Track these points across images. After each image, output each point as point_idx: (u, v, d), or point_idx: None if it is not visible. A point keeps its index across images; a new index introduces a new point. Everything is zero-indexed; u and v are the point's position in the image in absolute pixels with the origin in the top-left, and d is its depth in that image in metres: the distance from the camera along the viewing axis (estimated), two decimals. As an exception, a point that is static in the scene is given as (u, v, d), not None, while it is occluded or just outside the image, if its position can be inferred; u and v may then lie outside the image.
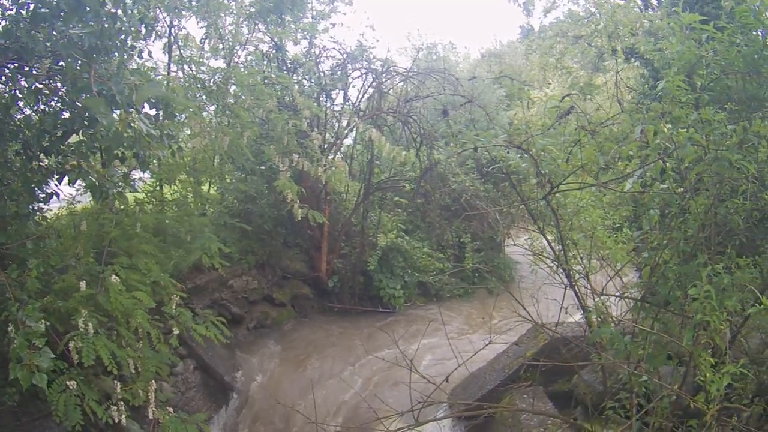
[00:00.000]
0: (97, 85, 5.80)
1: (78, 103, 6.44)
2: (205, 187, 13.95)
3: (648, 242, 6.72)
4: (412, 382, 8.72)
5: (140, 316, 7.25)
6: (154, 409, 6.71)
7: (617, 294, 7.09)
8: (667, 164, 5.95)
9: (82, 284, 6.61)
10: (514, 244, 17.86)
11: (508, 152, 7.29)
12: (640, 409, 6.77)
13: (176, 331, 8.06)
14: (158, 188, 11.46)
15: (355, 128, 14.21)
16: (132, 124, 5.93)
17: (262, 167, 14.90)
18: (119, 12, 6.56)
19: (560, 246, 7.19)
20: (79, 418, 6.15)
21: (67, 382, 6.17)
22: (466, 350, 8.35)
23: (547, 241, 7.45)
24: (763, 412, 6.25)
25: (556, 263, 7.40)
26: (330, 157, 12.75)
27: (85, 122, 6.55)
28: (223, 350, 12.76)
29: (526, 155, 6.90)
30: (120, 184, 7.05)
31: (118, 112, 5.84)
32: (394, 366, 12.34)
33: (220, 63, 13.58)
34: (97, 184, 6.47)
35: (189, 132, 10.69)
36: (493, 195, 18.77)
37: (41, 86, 6.75)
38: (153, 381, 6.83)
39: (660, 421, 6.31)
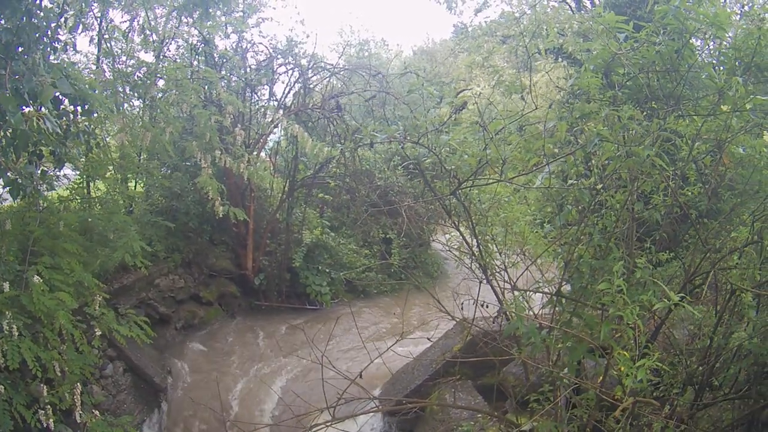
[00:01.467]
0: (12, 82, 5.65)
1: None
2: (131, 185, 13.67)
3: (563, 237, 6.86)
4: (338, 379, 8.73)
5: (63, 317, 7.07)
6: (80, 412, 6.55)
7: (531, 288, 7.14)
8: (592, 161, 6.07)
9: (5, 285, 6.40)
10: (435, 241, 18.17)
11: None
12: (567, 401, 6.91)
13: (99, 332, 7.90)
14: (84, 185, 11.18)
15: (279, 124, 14.10)
16: (38, 122, 5.82)
17: (187, 164, 14.69)
18: (42, 5, 6.39)
19: (475, 241, 7.27)
20: (9, 423, 5.98)
21: None
22: (388, 347, 8.41)
23: (462, 236, 7.52)
24: (694, 400, 6.45)
25: (472, 258, 7.50)
26: (254, 153, 12.62)
27: (1, 120, 6.36)
28: (152, 351, 12.55)
29: (430, 152, 6.93)
30: (39, 181, 6.87)
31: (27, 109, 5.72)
32: (318, 364, 12.41)
33: (150, 57, 13.32)
34: (16, 181, 6.29)
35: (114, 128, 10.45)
36: (420, 192, 18.81)
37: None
38: (78, 384, 6.69)
39: (586, 413, 6.43)
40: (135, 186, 14.10)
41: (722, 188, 6.60)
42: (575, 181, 6.07)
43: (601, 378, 6.67)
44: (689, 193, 6.33)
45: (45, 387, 6.38)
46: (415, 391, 10.92)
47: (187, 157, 13.85)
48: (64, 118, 7.09)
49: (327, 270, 16.57)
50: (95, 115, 8.89)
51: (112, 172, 11.47)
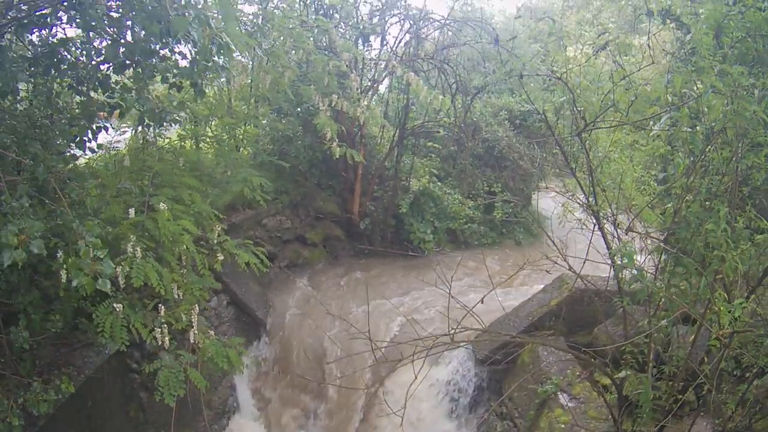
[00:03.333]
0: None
1: (144, 31, 6.62)
2: (240, 129, 14.17)
3: (673, 188, 6.94)
4: (437, 322, 9.09)
5: (187, 241, 7.54)
6: (195, 332, 6.96)
7: (643, 233, 7.29)
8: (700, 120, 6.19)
9: (131, 211, 6.84)
10: (546, 187, 18.17)
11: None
12: (658, 357, 7.07)
13: (221, 257, 8.31)
14: (201, 125, 11.68)
15: (390, 73, 14.28)
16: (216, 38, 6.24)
17: (298, 109, 15.11)
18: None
19: (591, 186, 7.33)
20: (125, 338, 6.47)
21: (114, 305, 6.41)
22: (490, 298, 8.63)
23: (578, 181, 7.58)
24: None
25: (585, 205, 7.58)
26: (365, 102, 12.86)
27: (144, 53, 6.79)
28: (256, 287, 13.16)
29: (563, 93, 7.07)
30: (176, 111, 7.32)
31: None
32: (421, 307, 12.79)
33: (254, 8, 13.56)
34: (156, 110, 6.74)
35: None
36: (525, 148, 18.82)
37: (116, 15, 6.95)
38: (196, 305, 7.08)
39: (674, 369, 6.57)
40: (244, 131, 14.57)
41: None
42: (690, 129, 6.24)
43: (693, 337, 6.81)
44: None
45: (163, 307, 6.79)
46: (508, 342, 11.12)
47: (299, 102, 14.26)
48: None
49: (431, 219, 16.81)
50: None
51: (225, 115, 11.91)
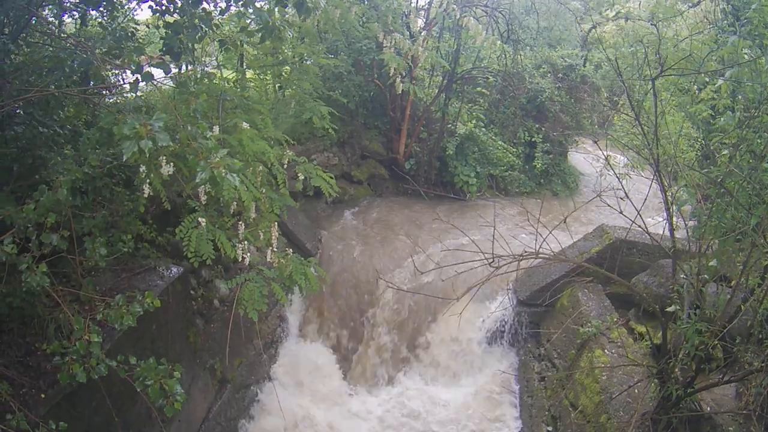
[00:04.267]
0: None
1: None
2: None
3: (729, 138, 7.26)
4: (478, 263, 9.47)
5: (273, 158, 7.70)
6: (275, 249, 7.12)
7: (702, 171, 7.67)
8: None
9: (215, 129, 6.90)
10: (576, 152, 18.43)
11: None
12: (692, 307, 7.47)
13: (302, 177, 8.40)
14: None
15: (445, 16, 14.36)
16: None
17: (351, 48, 15.30)
18: None
19: (654, 133, 7.62)
20: (211, 251, 6.56)
21: (199, 219, 6.58)
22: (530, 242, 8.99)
23: (641, 125, 7.84)
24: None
25: (647, 150, 7.86)
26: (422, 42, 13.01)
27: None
28: (305, 220, 13.58)
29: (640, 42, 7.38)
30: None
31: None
32: (466, 248, 13.12)
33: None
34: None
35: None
36: (566, 101, 18.98)
37: None
38: (275, 223, 7.22)
39: (705, 325, 6.94)
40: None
41: None
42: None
43: (730, 297, 7.19)
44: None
45: (242, 224, 6.95)
46: (549, 286, 11.50)
47: (349, 41, 14.45)
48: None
49: (474, 164, 17.07)
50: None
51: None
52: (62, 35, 8.77)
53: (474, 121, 17.54)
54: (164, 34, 7.30)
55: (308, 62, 11.00)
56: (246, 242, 6.89)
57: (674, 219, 7.91)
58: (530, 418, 10.78)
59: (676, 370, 7.64)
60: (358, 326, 12.42)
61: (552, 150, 18.80)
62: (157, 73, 6.84)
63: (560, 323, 11.26)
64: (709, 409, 7.97)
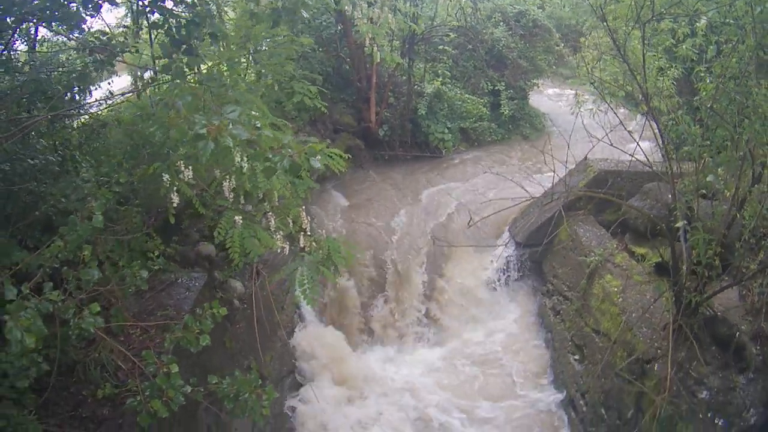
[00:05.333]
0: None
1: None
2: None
3: (714, 69, 7.84)
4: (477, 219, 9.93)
5: (294, 145, 7.68)
6: (308, 233, 7.08)
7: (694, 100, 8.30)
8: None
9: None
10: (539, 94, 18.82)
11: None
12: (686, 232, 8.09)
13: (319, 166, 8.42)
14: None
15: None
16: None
17: (315, 23, 15.47)
18: None
19: (643, 71, 8.15)
20: (258, 247, 6.43)
21: (235, 218, 6.38)
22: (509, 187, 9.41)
23: (629, 65, 8.30)
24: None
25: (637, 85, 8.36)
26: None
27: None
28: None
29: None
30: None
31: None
32: (458, 204, 13.56)
33: None
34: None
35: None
36: (522, 47, 19.43)
37: None
38: (302, 210, 7.20)
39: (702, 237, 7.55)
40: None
41: None
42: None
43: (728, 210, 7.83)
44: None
45: (271, 215, 6.91)
46: (544, 224, 11.92)
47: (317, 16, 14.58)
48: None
49: (443, 120, 17.45)
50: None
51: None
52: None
53: (440, 79, 17.84)
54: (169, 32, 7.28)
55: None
56: (280, 232, 6.68)
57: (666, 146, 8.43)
58: (554, 351, 11.25)
59: (687, 281, 8.17)
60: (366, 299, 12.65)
61: (515, 96, 19.26)
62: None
63: (562, 258, 11.73)
64: (719, 313, 8.50)
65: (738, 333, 8.25)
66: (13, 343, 4.71)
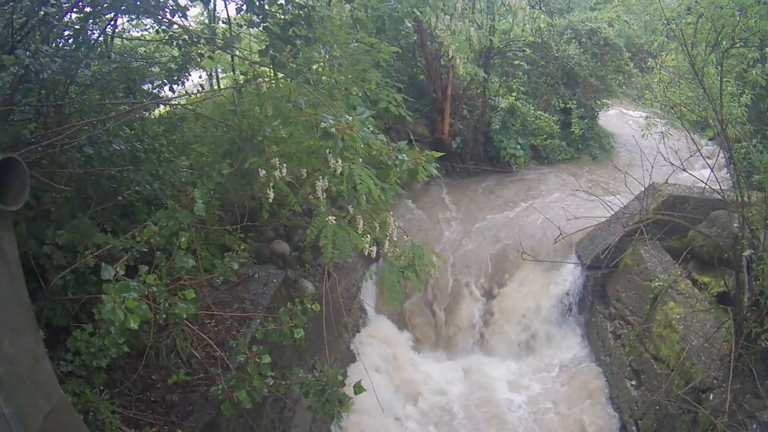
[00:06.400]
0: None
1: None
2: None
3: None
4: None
5: (381, 145, 7.76)
6: (394, 238, 7.20)
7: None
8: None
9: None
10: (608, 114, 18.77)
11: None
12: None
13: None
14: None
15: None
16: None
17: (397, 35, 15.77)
18: None
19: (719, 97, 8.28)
20: (348, 248, 6.56)
21: (329, 218, 6.37)
22: (586, 207, 9.50)
23: (705, 89, 8.41)
24: None
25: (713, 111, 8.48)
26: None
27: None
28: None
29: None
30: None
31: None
32: (523, 217, 13.73)
33: None
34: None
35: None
36: (594, 65, 19.47)
37: None
38: (390, 213, 7.10)
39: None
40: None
41: None
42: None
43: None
44: None
45: (360, 218, 7.01)
46: (610, 247, 12.03)
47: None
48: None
49: (515, 135, 17.62)
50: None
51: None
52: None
53: (514, 94, 18.04)
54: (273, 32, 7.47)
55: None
56: (368, 235, 6.80)
57: (738, 174, 8.55)
58: (612, 375, 11.32)
59: (748, 311, 8.28)
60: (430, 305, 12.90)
61: (585, 115, 19.34)
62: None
63: (627, 281, 11.80)
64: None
65: (796, 368, 8.34)
66: (116, 323, 4.80)
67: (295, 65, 7.31)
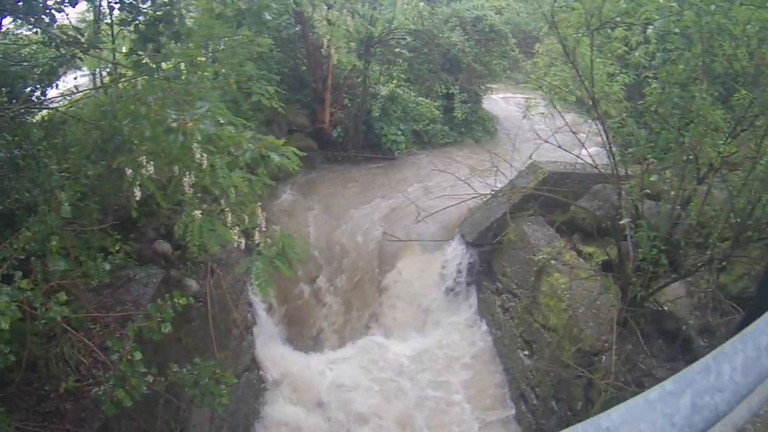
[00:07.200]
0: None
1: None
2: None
3: (660, 75, 8.23)
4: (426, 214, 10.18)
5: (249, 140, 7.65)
6: (264, 229, 7.14)
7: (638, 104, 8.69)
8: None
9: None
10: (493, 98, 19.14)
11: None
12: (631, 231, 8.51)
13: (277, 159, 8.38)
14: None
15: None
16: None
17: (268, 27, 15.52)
18: None
19: (590, 76, 8.48)
20: (216, 242, 6.48)
21: (195, 212, 6.32)
22: (462, 188, 9.69)
23: (577, 70, 8.64)
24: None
25: (585, 90, 8.70)
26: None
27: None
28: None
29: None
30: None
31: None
32: (406, 203, 13.76)
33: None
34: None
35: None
36: (478, 51, 19.75)
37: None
38: (258, 206, 7.23)
39: (647, 234, 7.92)
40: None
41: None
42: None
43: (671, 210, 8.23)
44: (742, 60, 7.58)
45: (229, 211, 6.94)
46: (493, 224, 12.23)
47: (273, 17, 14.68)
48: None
49: (397, 122, 17.64)
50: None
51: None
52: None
53: (395, 82, 18.05)
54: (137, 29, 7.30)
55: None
56: (237, 227, 6.71)
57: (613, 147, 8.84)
58: (505, 347, 11.55)
59: (633, 276, 8.52)
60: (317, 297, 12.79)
61: (468, 99, 19.59)
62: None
63: (511, 257, 12.00)
64: (665, 308, 8.87)
65: (685, 327, 8.64)
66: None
67: (155, 64, 7.11)
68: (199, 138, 5.00)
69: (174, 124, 5.00)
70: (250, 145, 5.74)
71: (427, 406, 11.10)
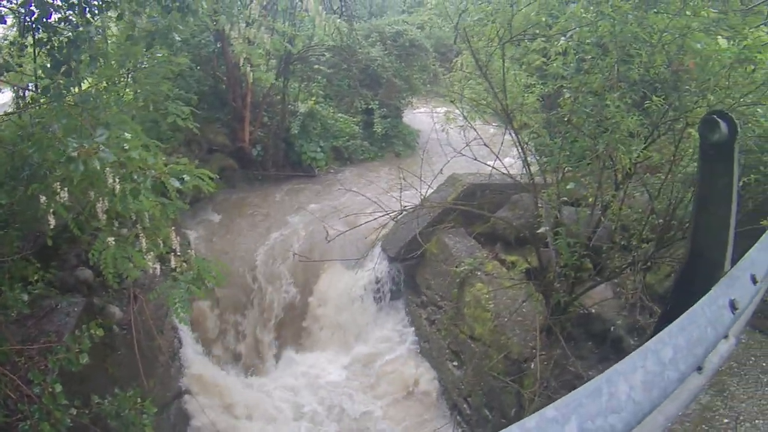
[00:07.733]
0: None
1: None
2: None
3: (571, 84, 8.42)
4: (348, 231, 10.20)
5: (159, 167, 7.51)
6: (178, 254, 7.07)
7: (552, 114, 9.13)
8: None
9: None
10: (414, 112, 19.30)
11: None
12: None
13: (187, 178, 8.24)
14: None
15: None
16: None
17: (188, 45, 15.35)
18: None
19: (503, 89, 8.64)
20: (132, 268, 6.47)
21: (107, 239, 6.32)
22: (389, 204, 9.80)
23: (490, 83, 8.79)
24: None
25: (497, 103, 8.85)
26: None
27: None
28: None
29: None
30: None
31: None
32: (328, 219, 13.73)
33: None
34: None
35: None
36: (398, 66, 19.92)
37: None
38: (172, 230, 6.99)
39: (569, 241, 8.10)
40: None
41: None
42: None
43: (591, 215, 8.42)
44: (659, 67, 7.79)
45: (143, 236, 6.85)
46: (414, 239, 12.27)
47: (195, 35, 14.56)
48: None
49: (317, 139, 17.70)
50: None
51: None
52: None
53: (314, 98, 18.06)
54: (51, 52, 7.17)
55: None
56: (151, 253, 6.75)
57: (528, 158, 9.03)
58: (434, 359, 11.61)
59: (555, 282, 8.68)
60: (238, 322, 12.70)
61: (388, 114, 19.72)
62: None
63: (434, 269, 12.09)
64: (593, 311, 9.07)
65: (613, 327, 8.85)
66: None
67: (65, 89, 6.95)
68: (98, 167, 4.94)
69: (74, 153, 4.92)
70: (153, 171, 5.66)
71: (361, 424, 11.14)
